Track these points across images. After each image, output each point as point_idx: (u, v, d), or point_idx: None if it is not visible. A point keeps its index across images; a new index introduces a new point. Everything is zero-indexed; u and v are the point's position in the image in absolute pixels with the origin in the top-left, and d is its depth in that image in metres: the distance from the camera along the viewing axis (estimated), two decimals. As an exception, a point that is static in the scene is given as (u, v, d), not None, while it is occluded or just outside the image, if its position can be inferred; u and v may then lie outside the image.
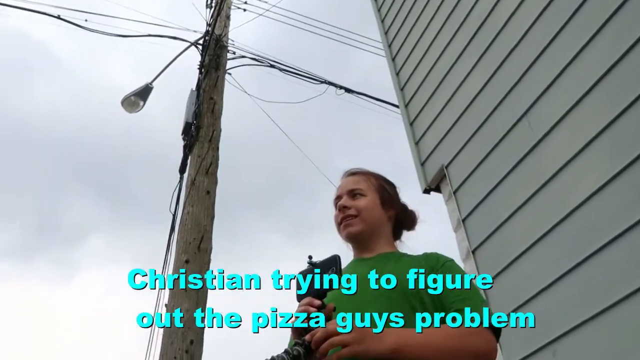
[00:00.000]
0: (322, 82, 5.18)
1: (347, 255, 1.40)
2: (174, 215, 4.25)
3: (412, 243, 1.42)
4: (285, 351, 0.94)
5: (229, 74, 4.92)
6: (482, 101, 2.65)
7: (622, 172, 1.85)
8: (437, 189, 2.89)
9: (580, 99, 2.07)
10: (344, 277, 1.22)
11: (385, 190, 1.38)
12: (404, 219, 1.41)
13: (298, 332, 1.02)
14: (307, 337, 0.96)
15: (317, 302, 1.02)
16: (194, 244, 3.76)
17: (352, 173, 1.43)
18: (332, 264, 1.05)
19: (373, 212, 1.33)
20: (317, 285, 1.05)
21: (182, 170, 4.53)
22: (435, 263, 1.22)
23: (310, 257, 1.11)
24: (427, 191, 2.92)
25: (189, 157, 4.44)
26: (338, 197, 1.37)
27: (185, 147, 4.55)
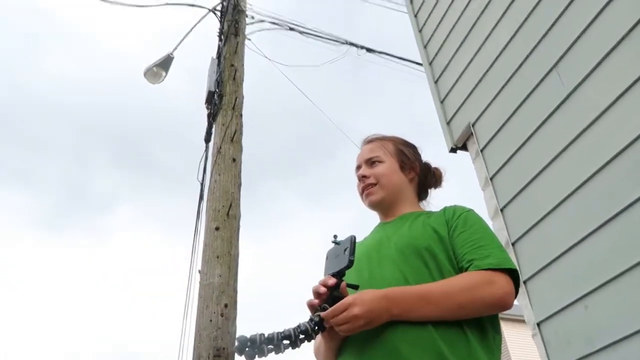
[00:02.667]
0: (343, 43, 5.07)
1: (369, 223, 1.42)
2: (202, 184, 4.33)
3: (439, 203, 1.41)
4: (297, 325, 1.00)
5: (249, 39, 4.87)
6: (510, 55, 2.56)
7: (658, 122, 1.78)
8: (464, 148, 2.85)
9: (613, 49, 1.98)
10: (365, 246, 1.25)
11: (403, 154, 1.37)
12: (428, 179, 1.40)
13: (311, 306, 1.06)
14: (326, 313, 1.01)
15: (331, 281, 1.05)
16: (222, 212, 3.83)
17: (369, 141, 1.42)
18: (347, 245, 1.08)
19: (392, 177, 1.33)
20: (337, 266, 1.08)
21: (207, 139, 4.57)
22: (451, 216, 1.22)
23: (335, 237, 1.14)
24: (453, 150, 2.88)
25: (214, 125, 4.46)
26: (358, 167, 1.38)
27: (209, 115, 4.57)
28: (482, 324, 1.07)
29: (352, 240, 1.08)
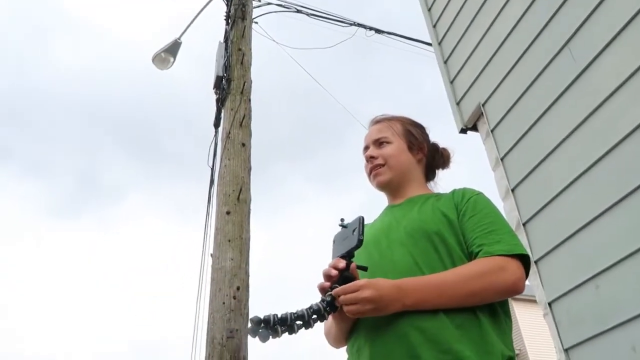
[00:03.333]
0: (350, 25, 5.01)
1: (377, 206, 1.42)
2: (212, 169, 4.35)
3: (449, 184, 1.41)
4: (310, 306, 1.00)
5: (256, 22, 4.84)
6: (520, 33, 2.51)
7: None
8: (474, 128, 2.82)
9: (627, 24, 1.93)
10: (374, 230, 1.25)
11: (411, 134, 1.36)
12: (436, 159, 1.39)
13: (322, 288, 1.06)
14: (337, 289, 1.01)
15: (341, 264, 1.05)
16: (233, 196, 3.85)
17: (377, 121, 1.41)
18: (355, 225, 1.08)
19: (400, 158, 1.32)
20: (345, 247, 1.09)
21: (216, 124, 4.58)
22: (460, 199, 1.21)
23: (342, 220, 1.13)
24: (463, 131, 2.85)
25: (222, 110, 4.47)
26: (365, 148, 1.37)
27: (217, 100, 4.57)
28: (494, 308, 1.07)
29: (361, 220, 1.08)
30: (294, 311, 0.97)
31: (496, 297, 1.06)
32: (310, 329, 0.99)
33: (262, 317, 0.94)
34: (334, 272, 1.04)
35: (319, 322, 1.01)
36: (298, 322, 0.97)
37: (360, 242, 1.05)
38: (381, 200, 1.41)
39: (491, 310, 1.06)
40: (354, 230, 1.07)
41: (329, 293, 1.02)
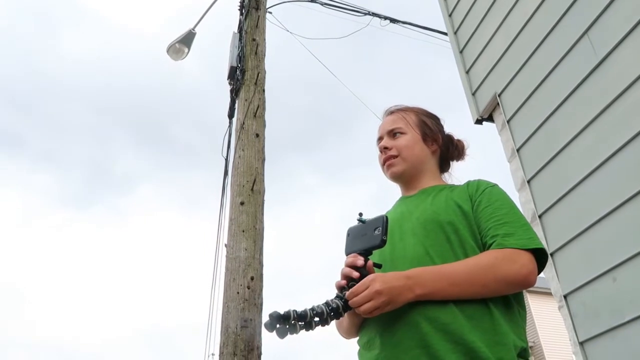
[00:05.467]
0: (365, 14, 4.97)
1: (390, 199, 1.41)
2: (226, 160, 4.37)
3: (464, 175, 1.39)
4: (326, 302, 0.98)
5: (270, 12, 4.82)
6: (538, 21, 2.47)
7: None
8: (490, 119, 2.79)
9: (650, 11, 1.89)
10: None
11: (426, 125, 1.35)
12: (451, 151, 1.38)
13: (340, 287, 1.05)
14: (347, 293, 0.99)
15: (360, 261, 1.04)
16: (247, 187, 3.87)
17: (391, 112, 1.40)
18: (378, 224, 1.05)
19: (414, 149, 1.31)
20: (364, 244, 1.06)
21: (230, 115, 4.59)
22: (474, 190, 1.20)
23: (360, 214, 1.11)
24: (479, 121, 2.82)
25: (237, 101, 4.47)
26: (379, 139, 1.36)
27: (232, 91, 4.58)
28: (507, 299, 1.06)
29: (385, 219, 1.06)
30: (313, 307, 0.95)
31: (507, 290, 1.05)
32: (326, 326, 0.98)
33: (281, 312, 0.91)
34: (356, 275, 1.02)
35: (335, 319, 0.99)
36: (316, 319, 0.95)
37: (383, 243, 1.04)
38: (392, 191, 1.41)
39: (504, 301, 1.06)
40: (375, 229, 1.05)
41: (344, 292, 1.00)
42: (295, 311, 0.93)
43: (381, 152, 1.34)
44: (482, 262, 1.04)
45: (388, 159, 1.32)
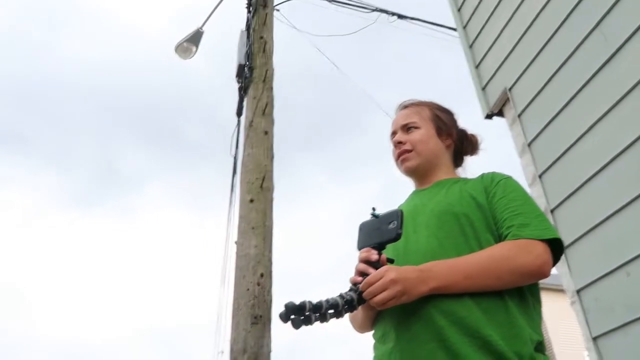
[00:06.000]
0: (373, 10, 4.95)
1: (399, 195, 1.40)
2: (235, 157, 4.38)
3: (477, 170, 1.39)
4: (340, 295, 0.97)
5: (277, 10, 4.82)
6: (548, 14, 2.45)
7: None
8: (500, 114, 2.77)
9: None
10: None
11: (440, 119, 1.34)
12: (465, 145, 1.37)
13: (354, 282, 1.04)
14: (361, 284, 0.98)
15: (375, 256, 1.03)
16: (256, 184, 3.87)
17: (405, 106, 1.39)
18: (393, 218, 1.04)
19: (428, 144, 1.30)
20: (378, 238, 1.05)
21: (239, 113, 4.60)
22: (489, 182, 1.19)
23: (373, 209, 1.10)
24: (489, 116, 2.80)
25: (245, 99, 4.48)
26: (393, 133, 1.36)
27: (240, 89, 4.58)
28: (522, 292, 1.05)
29: (400, 213, 1.05)
30: (327, 299, 0.94)
31: (522, 281, 1.04)
32: (340, 318, 0.97)
33: (296, 303, 0.91)
34: (372, 270, 1.01)
35: (349, 312, 0.99)
36: (330, 311, 0.94)
37: (398, 236, 1.03)
38: (401, 187, 1.40)
39: (519, 295, 1.05)
40: (390, 223, 1.04)
41: (358, 285, 0.99)
42: (310, 302, 0.92)
43: (395, 146, 1.33)
44: (496, 254, 1.04)
45: (402, 154, 1.31)
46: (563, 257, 2.22)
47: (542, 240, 1.04)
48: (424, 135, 1.31)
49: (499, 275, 1.01)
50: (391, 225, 1.04)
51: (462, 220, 1.11)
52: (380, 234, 1.05)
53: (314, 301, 0.93)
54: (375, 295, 0.97)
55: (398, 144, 1.32)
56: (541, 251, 1.03)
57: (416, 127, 1.32)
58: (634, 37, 1.98)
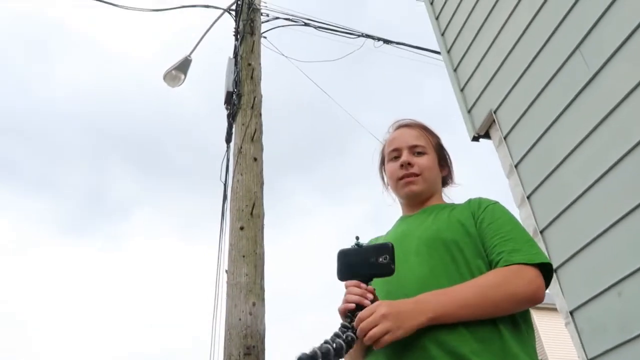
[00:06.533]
0: (358, 36, 5.03)
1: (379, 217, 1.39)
2: (225, 184, 4.36)
3: (464, 192, 1.39)
4: (337, 334, 0.94)
5: (265, 37, 4.88)
6: (531, 37, 2.49)
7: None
8: (487, 136, 2.79)
9: (639, 26, 1.90)
10: (386, 240, 1.21)
11: (442, 149, 1.36)
12: (450, 176, 1.40)
13: (345, 311, 1.01)
14: (355, 322, 0.96)
15: (370, 294, 1.01)
16: (246, 211, 3.85)
17: (408, 125, 1.38)
18: (384, 252, 1.02)
19: (433, 172, 1.31)
20: (367, 270, 1.03)
21: (228, 140, 4.60)
22: (476, 208, 1.19)
23: (357, 238, 1.09)
24: (475, 139, 2.83)
25: (234, 125, 4.49)
26: (396, 150, 1.33)
27: (228, 116, 4.60)
28: (515, 319, 1.04)
29: (392, 247, 1.03)
30: (332, 343, 0.92)
31: (517, 307, 1.03)
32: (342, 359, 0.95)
33: (308, 353, 0.88)
34: (367, 302, 0.99)
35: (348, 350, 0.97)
36: (337, 357, 0.92)
37: (393, 272, 1.01)
38: (387, 210, 1.39)
39: (512, 322, 1.03)
40: (381, 256, 1.02)
41: (353, 323, 0.97)
42: (319, 350, 0.90)
43: (402, 166, 1.30)
44: (490, 281, 1.03)
45: (410, 176, 1.29)
46: (555, 277, 2.21)
47: (533, 265, 1.04)
48: (432, 162, 1.31)
49: (494, 302, 1.00)
50: (382, 259, 1.02)
51: (451, 247, 1.11)
52: (369, 267, 1.03)
53: (322, 349, 0.90)
54: (367, 331, 0.94)
55: (407, 165, 1.29)
56: (533, 276, 1.03)
57: (424, 153, 1.31)
58: (612, 59, 2.02)
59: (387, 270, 1.01)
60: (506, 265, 1.04)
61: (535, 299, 1.03)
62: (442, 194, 1.37)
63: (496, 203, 1.21)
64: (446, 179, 1.38)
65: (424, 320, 0.97)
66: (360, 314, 0.96)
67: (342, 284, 1.07)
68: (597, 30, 2.11)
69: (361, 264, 1.04)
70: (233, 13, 4.90)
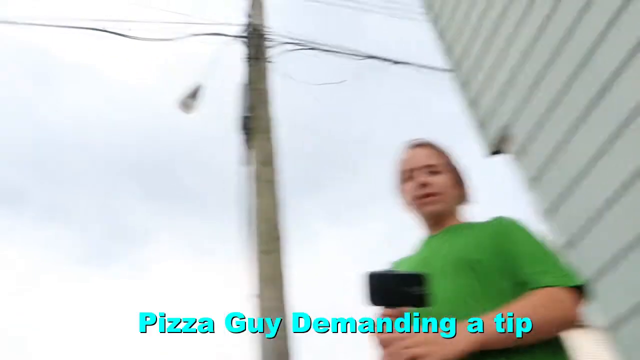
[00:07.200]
0: (365, 57, 5.07)
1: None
2: (244, 209, 4.41)
3: (481, 209, 1.41)
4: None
5: (271, 62, 4.95)
6: (542, 47, 2.48)
7: None
8: (501, 152, 2.78)
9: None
10: (412, 263, 1.23)
11: (457, 170, 1.39)
12: (467, 193, 1.41)
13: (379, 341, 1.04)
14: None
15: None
16: (268, 235, 3.90)
17: (422, 145, 1.40)
18: (416, 282, 1.03)
19: (451, 191, 1.34)
20: (399, 299, 1.04)
21: (244, 164, 4.67)
22: (498, 227, 1.20)
23: (390, 264, 1.12)
24: (490, 155, 2.82)
25: (249, 150, 4.55)
26: (411, 170, 1.34)
27: (243, 140, 4.67)
28: (550, 343, 1.04)
29: (425, 279, 1.03)
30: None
31: (556, 331, 1.04)
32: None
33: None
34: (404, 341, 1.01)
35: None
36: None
37: (428, 305, 1.02)
38: (407, 230, 1.41)
39: (549, 346, 1.03)
40: (413, 285, 1.02)
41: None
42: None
43: (419, 186, 1.31)
44: (528, 306, 1.01)
45: (428, 196, 1.30)
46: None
47: (569, 287, 1.04)
48: (449, 181, 1.34)
49: (536, 328, 0.99)
50: (414, 290, 1.02)
51: (475, 267, 1.12)
52: (402, 296, 1.03)
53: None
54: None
55: (424, 185, 1.31)
56: (574, 299, 1.04)
57: (440, 172, 1.33)
58: (623, 67, 2.00)
59: (424, 303, 1.01)
60: (536, 288, 1.05)
61: (573, 322, 1.03)
62: (461, 212, 1.39)
63: (517, 221, 1.22)
64: (463, 196, 1.39)
65: (467, 346, 0.98)
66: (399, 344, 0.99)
67: (372, 306, 1.07)
68: (606, 41, 2.09)
69: (394, 292, 1.04)
70: (241, 39, 4.98)
